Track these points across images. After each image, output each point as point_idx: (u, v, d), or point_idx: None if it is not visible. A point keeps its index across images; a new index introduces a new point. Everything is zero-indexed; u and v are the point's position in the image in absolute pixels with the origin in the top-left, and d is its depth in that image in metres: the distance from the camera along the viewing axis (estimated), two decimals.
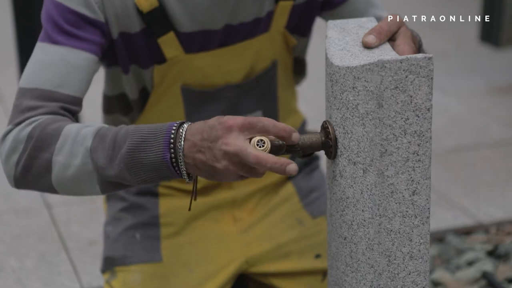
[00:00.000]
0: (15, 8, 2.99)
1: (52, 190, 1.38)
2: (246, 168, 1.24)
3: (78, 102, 1.45)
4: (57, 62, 1.44)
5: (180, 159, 1.26)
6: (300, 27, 1.66)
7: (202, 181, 1.70)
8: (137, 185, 1.32)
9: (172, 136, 1.26)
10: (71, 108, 1.44)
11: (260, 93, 1.66)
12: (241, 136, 1.22)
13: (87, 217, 2.55)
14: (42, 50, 1.45)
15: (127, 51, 1.53)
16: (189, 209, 1.36)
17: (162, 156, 1.27)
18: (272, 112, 1.68)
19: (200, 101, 1.61)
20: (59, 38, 1.44)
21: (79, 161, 1.33)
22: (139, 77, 1.58)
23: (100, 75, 1.68)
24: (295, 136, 1.24)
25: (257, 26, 1.58)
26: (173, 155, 1.26)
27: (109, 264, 1.71)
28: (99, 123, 1.38)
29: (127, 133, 1.30)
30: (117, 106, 1.65)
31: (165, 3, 1.49)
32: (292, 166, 1.21)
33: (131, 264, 1.68)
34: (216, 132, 1.23)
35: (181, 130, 1.27)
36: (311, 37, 1.74)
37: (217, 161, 1.23)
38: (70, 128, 1.36)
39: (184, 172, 1.27)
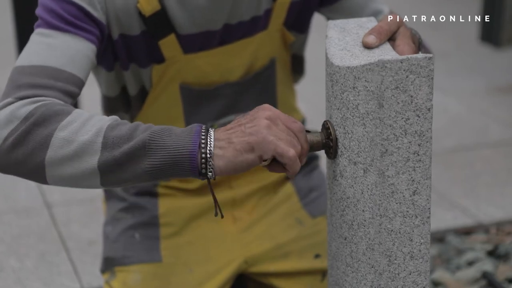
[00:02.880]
0: (15, 8, 2.99)
1: (38, 170, 1.28)
2: (283, 136, 1.24)
3: (81, 84, 1.40)
4: (59, 44, 1.39)
5: (210, 147, 1.21)
6: (298, 23, 1.66)
7: (201, 181, 1.70)
8: (140, 175, 1.25)
9: (204, 128, 1.24)
10: (73, 91, 1.38)
11: (259, 91, 1.66)
12: None
13: (87, 217, 2.55)
14: (41, 35, 1.40)
15: (126, 52, 1.53)
16: (221, 216, 1.30)
17: (191, 140, 1.22)
18: None
19: (199, 99, 1.61)
20: (60, 24, 1.40)
21: (87, 137, 1.26)
22: (137, 75, 1.58)
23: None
24: (303, 160, 1.27)
25: (255, 24, 1.58)
26: (203, 141, 1.22)
27: (109, 264, 1.71)
28: None
29: (151, 125, 1.27)
30: (119, 103, 1.65)
31: (166, 6, 1.49)
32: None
33: (130, 264, 1.68)
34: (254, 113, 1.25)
35: (211, 130, 1.25)
36: (309, 34, 1.74)
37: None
38: (83, 111, 1.30)
39: (211, 164, 1.21)
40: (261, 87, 1.66)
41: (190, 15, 1.51)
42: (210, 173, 1.22)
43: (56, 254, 2.36)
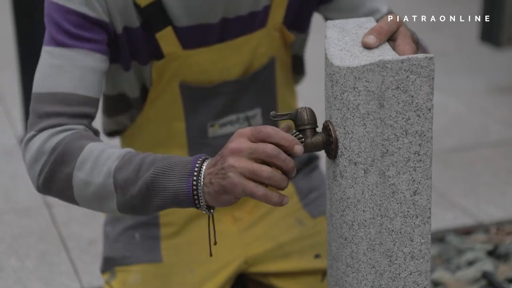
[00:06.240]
0: (15, 8, 2.99)
1: (74, 203, 1.41)
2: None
3: (94, 103, 1.47)
4: (68, 65, 1.44)
5: (200, 186, 1.28)
6: (297, 22, 1.66)
7: None
8: (153, 210, 1.34)
9: (197, 165, 1.29)
10: (88, 112, 1.45)
11: (259, 90, 1.66)
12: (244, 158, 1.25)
13: (87, 217, 2.55)
14: (50, 54, 1.45)
15: (128, 46, 1.53)
16: (210, 255, 1.38)
17: (186, 183, 1.29)
18: (270, 110, 1.68)
19: (199, 98, 1.61)
20: (65, 40, 1.44)
21: (100, 180, 1.35)
22: (139, 74, 1.58)
23: None
24: (298, 148, 1.25)
25: (253, 21, 1.58)
26: (194, 182, 1.28)
27: (109, 264, 1.71)
28: (126, 148, 1.39)
29: (155, 160, 1.32)
30: (116, 105, 1.65)
31: None
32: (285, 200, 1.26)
33: (131, 264, 1.68)
34: (223, 157, 1.26)
35: (203, 165, 1.29)
36: (309, 34, 1.74)
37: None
38: (94, 146, 1.38)
39: (202, 198, 1.29)
40: (260, 87, 1.66)
41: (186, 6, 1.51)
42: (205, 208, 1.30)
43: (56, 254, 2.36)
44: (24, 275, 2.25)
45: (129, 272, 1.68)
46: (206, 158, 1.30)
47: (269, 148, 1.23)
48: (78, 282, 2.23)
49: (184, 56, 1.56)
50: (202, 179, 1.28)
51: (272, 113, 1.29)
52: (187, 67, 1.57)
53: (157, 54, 1.55)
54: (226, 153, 1.25)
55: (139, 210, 1.36)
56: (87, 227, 2.50)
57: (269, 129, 1.24)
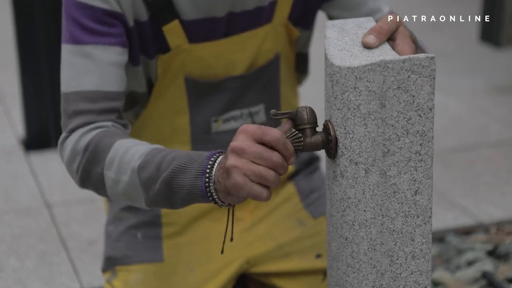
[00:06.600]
0: (15, 8, 2.99)
1: (109, 199, 1.45)
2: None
3: (119, 96, 1.48)
4: (88, 62, 1.46)
5: (212, 182, 1.28)
6: (302, 19, 1.67)
7: None
8: (178, 206, 1.35)
9: (210, 163, 1.29)
10: (114, 106, 1.47)
11: (263, 86, 1.66)
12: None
13: (87, 217, 2.55)
14: (70, 53, 1.47)
15: (139, 40, 1.54)
16: (222, 252, 1.38)
17: (200, 180, 1.29)
18: (274, 107, 1.69)
19: (203, 92, 1.61)
20: (83, 37, 1.46)
21: (127, 178, 1.37)
22: (146, 69, 1.58)
23: None
24: (292, 160, 1.25)
25: (259, 16, 1.59)
26: (207, 179, 1.28)
27: (110, 264, 1.71)
28: (154, 145, 1.40)
29: (176, 157, 1.33)
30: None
31: None
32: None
33: (132, 263, 1.68)
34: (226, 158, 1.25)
35: (217, 161, 1.29)
36: (314, 32, 1.74)
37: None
38: (121, 143, 1.39)
39: (215, 195, 1.29)
40: (265, 83, 1.66)
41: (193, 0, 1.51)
42: (222, 203, 1.30)
43: (56, 254, 2.36)
44: (24, 275, 2.25)
45: (130, 272, 1.68)
46: (221, 153, 1.29)
47: (276, 157, 1.22)
48: (78, 282, 2.23)
49: (190, 50, 1.56)
50: (213, 176, 1.28)
51: (273, 111, 1.29)
52: (192, 61, 1.58)
53: (164, 47, 1.56)
54: (229, 151, 1.24)
55: (165, 205, 1.37)
56: (87, 227, 2.50)
57: (278, 136, 1.22)
